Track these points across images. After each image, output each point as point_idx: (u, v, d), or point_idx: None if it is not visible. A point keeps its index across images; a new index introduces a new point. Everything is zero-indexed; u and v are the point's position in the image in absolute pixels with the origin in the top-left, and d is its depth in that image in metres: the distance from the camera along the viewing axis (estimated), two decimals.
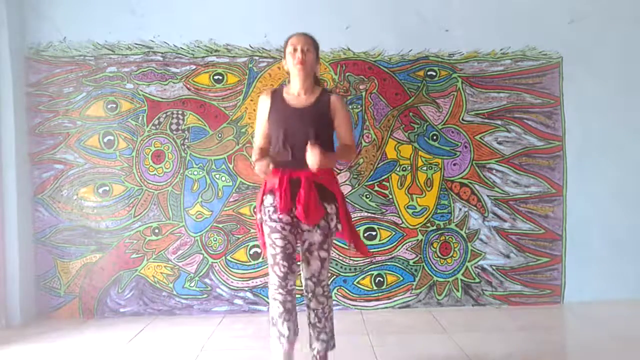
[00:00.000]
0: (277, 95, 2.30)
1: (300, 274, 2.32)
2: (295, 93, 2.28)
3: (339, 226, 2.26)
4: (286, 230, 2.20)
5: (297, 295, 2.34)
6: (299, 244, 2.28)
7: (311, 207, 2.14)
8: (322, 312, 2.27)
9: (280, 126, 2.22)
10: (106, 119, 3.48)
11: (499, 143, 3.51)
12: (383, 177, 3.49)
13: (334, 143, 2.34)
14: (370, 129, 3.48)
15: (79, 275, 3.47)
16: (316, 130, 2.19)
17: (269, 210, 2.22)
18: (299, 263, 2.30)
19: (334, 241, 2.59)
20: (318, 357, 2.31)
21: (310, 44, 2.26)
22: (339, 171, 3.44)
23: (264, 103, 2.32)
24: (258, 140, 2.36)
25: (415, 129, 3.50)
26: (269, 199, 2.24)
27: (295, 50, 2.22)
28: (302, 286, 2.32)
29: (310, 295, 2.26)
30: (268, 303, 3.42)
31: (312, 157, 2.06)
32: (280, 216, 2.19)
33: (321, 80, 2.60)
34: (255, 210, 2.38)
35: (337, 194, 2.25)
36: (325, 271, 2.26)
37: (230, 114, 3.47)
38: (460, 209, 3.51)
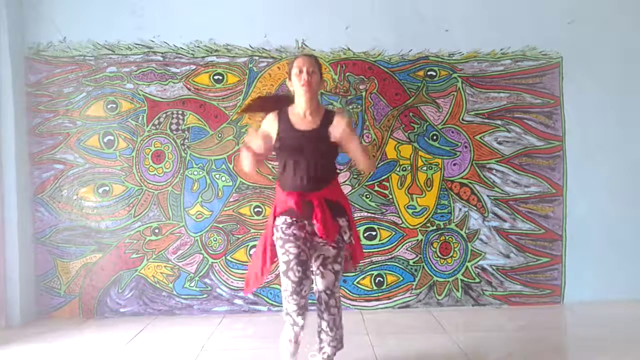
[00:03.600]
0: (283, 118, 2.31)
1: (313, 286, 2.34)
2: (301, 113, 2.29)
3: (352, 238, 2.33)
4: (299, 241, 2.23)
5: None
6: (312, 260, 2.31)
7: (329, 225, 2.20)
8: (333, 322, 2.32)
9: (290, 151, 2.26)
10: (106, 119, 3.48)
11: (499, 143, 3.51)
12: (383, 177, 3.49)
13: (336, 167, 2.41)
14: (370, 129, 3.48)
15: (79, 275, 3.47)
16: (324, 152, 2.27)
17: (281, 228, 2.26)
18: (312, 269, 2.31)
19: None
20: (327, 357, 2.37)
21: (315, 66, 2.29)
22: (339, 171, 3.43)
23: (271, 123, 2.33)
24: (253, 143, 2.34)
25: (415, 129, 3.50)
26: (280, 219, 2.27)
27: (300, 72, 2.25)
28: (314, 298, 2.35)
29: (323, 307, 2.30)
30: (268, 303, 3.44)
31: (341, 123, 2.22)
32: (294, 231, 2.23)
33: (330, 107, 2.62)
34: (266, 233, 2.36)
35: (346, 207, 2.34)
36: (338, 283, 2.31)
37: (230, 114, 3.47)
38: (460, 209, 3.51)
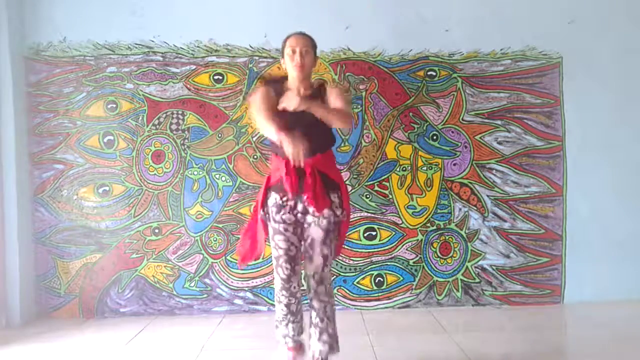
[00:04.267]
0: (278, 92, 2.27)
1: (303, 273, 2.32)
2: (295, 91, 2.26)
3: (345, 215, 2.28)
4: (289, 231, 2.22)
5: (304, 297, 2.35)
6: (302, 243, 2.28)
7: (319, 194, 2.15)
8: (323, 312, 2.26)
9: (285, 121, 2.16)
10: (106, 119, 3.48)
11: (499, 143, 3.51)
12: (383, 177, 3.49)
13: (334, 136, 2.35)
14: (370, 129, 3.48)
15: (79, 275, 3.47)
16: (316, 120, 2.18)
17: (272, 211, 2.23)
18: (302, 262, 2.30)
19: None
20: (320, 358, 2.27)
21: (309, 45, 2.27)
22: (340, 168, 3.44)
23: (269, 93, 2.26)
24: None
25: (415, 129, 3.50)
26: (272, 198, 2.24)
27: (294, 52, 2.22)
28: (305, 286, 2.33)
29: (312, 294, 2.26)
30: (268, 303, 3.44)
31: (292, 100, 2.12)
32: (283, 217, 2.21)
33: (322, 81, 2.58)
34: (255, 207, 2.34)
35: (340, 183, 2.29)
36: (328, 269, 2.25)
37: (231, 114, 3.47)
38: (460, 209, 3.51)
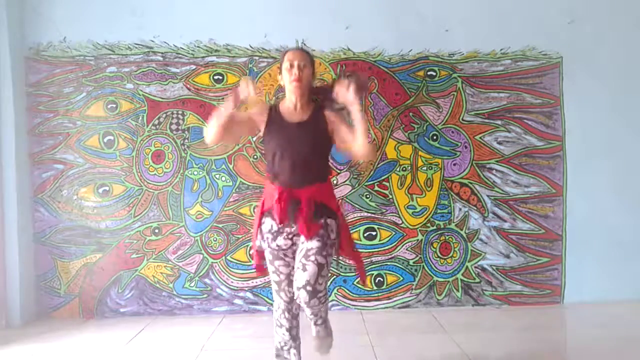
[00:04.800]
0: (273, 110, 2.23)
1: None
2: (292, 107, 2.20)
3: (338, 240, 2.20)
4: (288, 256, 2.18)
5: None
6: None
7: (311, 224, 2.09)
8: (318, 311, 2.15)
9: (280, 143, 2.16)
10: (106, 119, 3.48)
11: (499, 143, 3.51)
12: (383, 177, 3.49)
13: (330, 167, 2.30)
14: (370, 129, 3.48)
15: (79, 275, 3.47)
16: (315, 145, 2.16)
17: (267, 238, 2.17)
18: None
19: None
20: (318, 335, 2.23)
21: (307, 60, 2.20)
22: (339, 171, 3.44)
23: (262, 113, 2.24)
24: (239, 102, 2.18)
25: (415, 129, 3.50)
26: (267, 225, 2.17)
27: (292, 66, 2.16)
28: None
29: (304, 305, 2.07)
30: (268, 303, 3.44)
31: (344, 89, 2.04)
32: (279, 243, 2.15)
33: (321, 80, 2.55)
34: (252, 237, 2.29)
35: (336, 210, 2.21)
36: (323, 280, 2.07)
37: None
38: (460, 209, 3.51)
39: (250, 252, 3.46)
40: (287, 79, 2.17)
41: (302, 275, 2.05)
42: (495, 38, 3.49)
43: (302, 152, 2.12)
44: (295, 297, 2.11)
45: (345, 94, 2.08)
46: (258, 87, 3.46)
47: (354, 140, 2.11)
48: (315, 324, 2.23)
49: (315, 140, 2.16)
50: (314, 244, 2.10)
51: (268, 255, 2.21)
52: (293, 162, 2.11)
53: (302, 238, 2.13)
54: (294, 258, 2.17)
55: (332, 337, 2.31)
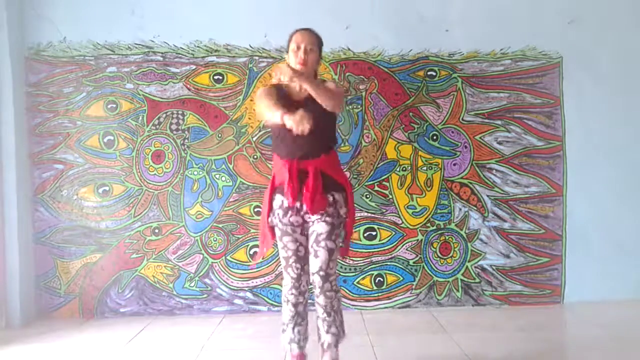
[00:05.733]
0: (280, 88, 2.29)
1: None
2: (297, 87, 2.26)
3: (347, 214, 2.27)
4: (297, 232, 2.26)
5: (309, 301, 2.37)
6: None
7: (317, 196, 2.16)
8: (330, 307, 2.26)
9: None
10: (106, 119, 3.48)
11: (499, 143, 3.51)
12: (383, 177, 3.49)
13: (336, 134, 2.36)
14: (370, 129, 3.48)
15: (79, 275, 3.47)
16: (319, 119, 2.17)
17: (278, 214, 2.25)
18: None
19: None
20: (328, 349, 2.29)
21: (314, 43, 2.25)
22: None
23: (271, 91, 2.28)
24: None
25: (415, 129, 3.50)
26: (277, 200, 2.26)
27: (298, 48, 2.21)
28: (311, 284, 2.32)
29: (318, 291, 2.23)
30: (268, 303, 3.44)
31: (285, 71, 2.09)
32: (291, 219, 2.23)
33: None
34: (262, 210, 2.35)
35: (343, 183, 2.29)
36: (333, 264, 2.23)
37: (230, 114, 3.47)
38: (460, 209, 3.51)
39: (251, 252, 3.46)
40: (293, 61, 2.22)
41: (315, 262, 2.21)
42: (495, 38, 3.49)
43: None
44: (311, 282, 2.25)
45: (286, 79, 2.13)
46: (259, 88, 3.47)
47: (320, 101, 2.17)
48: (327, 331, 2.26)
49: (320, 115, 2.19)
50: (324, 227, 2.20)
51: (278, 232, 2.27)
52: (301, 136, 2.10)
53: (313, 216, 2.21)
54: (302, 234, 2.26)
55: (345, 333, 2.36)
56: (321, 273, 2.20)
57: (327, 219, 2.21)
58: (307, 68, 2.22)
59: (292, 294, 2.28)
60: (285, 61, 2.29)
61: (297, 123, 2.01)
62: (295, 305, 2.29)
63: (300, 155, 2.18)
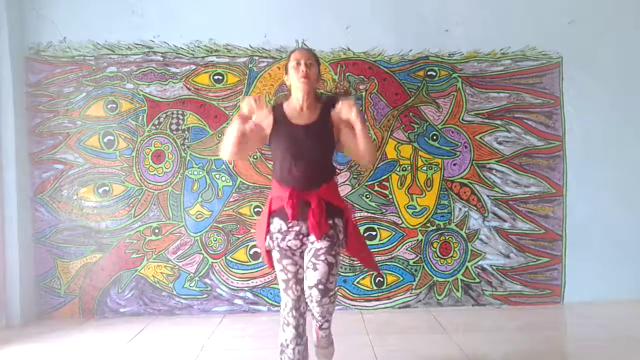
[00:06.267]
0: (279, 112, 2.21)
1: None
2: (298, 108, 2.20)
3: (346, 241, 2.23)
4: (296, 255, 2.18)
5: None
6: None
7: (322, 223, 2.11)
8: (327, 312, 2.18)
9: (288, 146, 2.15)
10: (106, 119, 3.48)
11: (499, 143, 3.51)
12: (383, 177, 3.49)
13: (334, 167, 2.31)
14: (370, 129, 3.48)
15: (79, 275, 3.47)
16: (323, 147, 2.18)
17: (277, 238, 2.17)
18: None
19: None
20: (323, 333, 2.27)
21: (313, 59, 2.21)
22: (338, 171, 3.44)
23: (266, 116, 2.21)
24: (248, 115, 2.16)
25: (415, 129, 3.50)
26: (276, 224, 2.17)
27: (299, 64, 2.16)
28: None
29: (314, 303, 2.11)
30: (268, 303, 3.44)
31: (348, 107, 2.08)
32: (289, 244, 2.15)
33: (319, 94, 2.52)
34: (259, 234, 2.27)
35: (343, 208, 2.24)
36: (334, 279, 2.13)
37: (230, 114, 3.47)
38: (460, 209, 3.51)
39: (251, 252, 3.46)
40: (295, 77, 2.16)
41: (313, 275, 2.09)
42: (495, 38, 3.49)
43: (311, 156, 2.13)
44: (307, 296, 2.13)
45: (349, 112, 2.10)
46: (258, 88, 3.47)
47: (358, 146, 2.14)
48: (320, 327, 2.24)
49: (323, 143, 2.18)
50: (323, 243, 2.12)
51: (276, 255, 2.20)
52: (303, 166, 2.12)
53: (312, 238, 2.13)
54: (301, 257, 2.19)
55: (334, 347, 2.35)
56: (320, 287, 2.08)
57: (327, 238, 2.14)
58: (310, 82, 2.16)
59: (292, 316, 2.18)
60: (287, 84, 2.23)
61: (244, 104, 2.03)
62: (296, 327, 2.19)
63: (302, 187, 2.12)
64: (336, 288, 2.18)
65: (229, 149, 2.13)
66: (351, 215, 2.31)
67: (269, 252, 2.24)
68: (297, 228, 2.14)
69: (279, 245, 2.17)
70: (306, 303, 2.18)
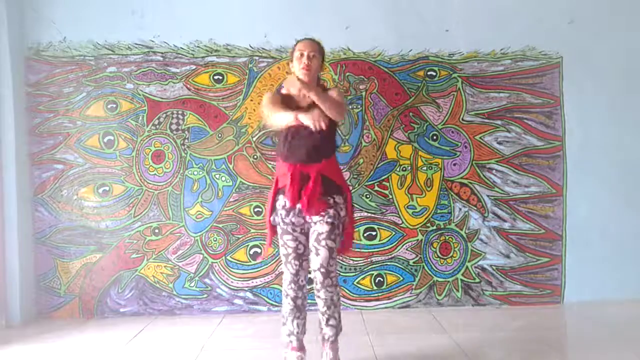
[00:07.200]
0: (284, 95, 2.46)
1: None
2: (301, 95, 2.38)
3: (346, 218, 2.43)
4: (297, 231, 2.41)
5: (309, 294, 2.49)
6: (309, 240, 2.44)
7: (314, 200, 2.32)
8: (331, 300, 2.40)
9: (292, 124, 2.35)
10: (106, 119, 3.48)
11: (499, 143, 3.51)
12: (383, 177, 3.49)
13: (336, 140, 2.50)
14: (370, 129, 3.48)
15: (79, 275, 3.47)
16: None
17: (281, 214, 2.41)
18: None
19: None
20: (329, 341, 2.44)
21: (317, 50, 2.45)
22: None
23: (277, 97, 2.47)
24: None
25: (415, 129, 3.50)
26: (280, 201, 2.41)
27: (302, 55, 2.41)
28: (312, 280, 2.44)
29: (319, 286, 2.38)
30: (268, 303, 3.45)
31: (292, 86, 2.34)
32: (293, 219, 2.38)
33: (322, 80, 2.70)
34: (266, 209, 2.53)
35: (344, 186, 2.46)
36: (334, 262, 2.38)
37: (230, 114, 3.47)
38: (460, 209, 3.51)
39: (251, 252, 3.46)
40: (297, 67, 2.43)
41: (316, 259, 2.37)
42: (495, 38, 3.49)
43: (312, 133, 2.30)
44: (312, 277, 2.40)
45: (295, 90, 2.35)
46: (258, 88, 3.47)
47: (325, 111, 2.34)
48: (327, 323, 2.42)
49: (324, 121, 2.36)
50: (325, 227, 2.36)
51: (279, 230, 2.44)
52: (304, 142, 2.33)
53: (314, 217, 2.35)
54: (301, 233, 2.41)
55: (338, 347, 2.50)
56: (322, 270, 2.36)
57: (328, 219, 2.36)
58: (311, 72, 2.41)
59: (291, 288, 2.42)
60: (292, 71, 2.50)
61: (314, 120, 2.24)
62: (294, 299, 2.43)
63: (303, 160, 2.33)
64: (336, 269, 2.43)
65: (283, 124, 2.36)
66: (351, 195, 2.49)
67: (273, 228, 2.47)
68: (299, 206, 2.35)
69: (283, 221, 2.40)
70: (304, 277, 2.44)
